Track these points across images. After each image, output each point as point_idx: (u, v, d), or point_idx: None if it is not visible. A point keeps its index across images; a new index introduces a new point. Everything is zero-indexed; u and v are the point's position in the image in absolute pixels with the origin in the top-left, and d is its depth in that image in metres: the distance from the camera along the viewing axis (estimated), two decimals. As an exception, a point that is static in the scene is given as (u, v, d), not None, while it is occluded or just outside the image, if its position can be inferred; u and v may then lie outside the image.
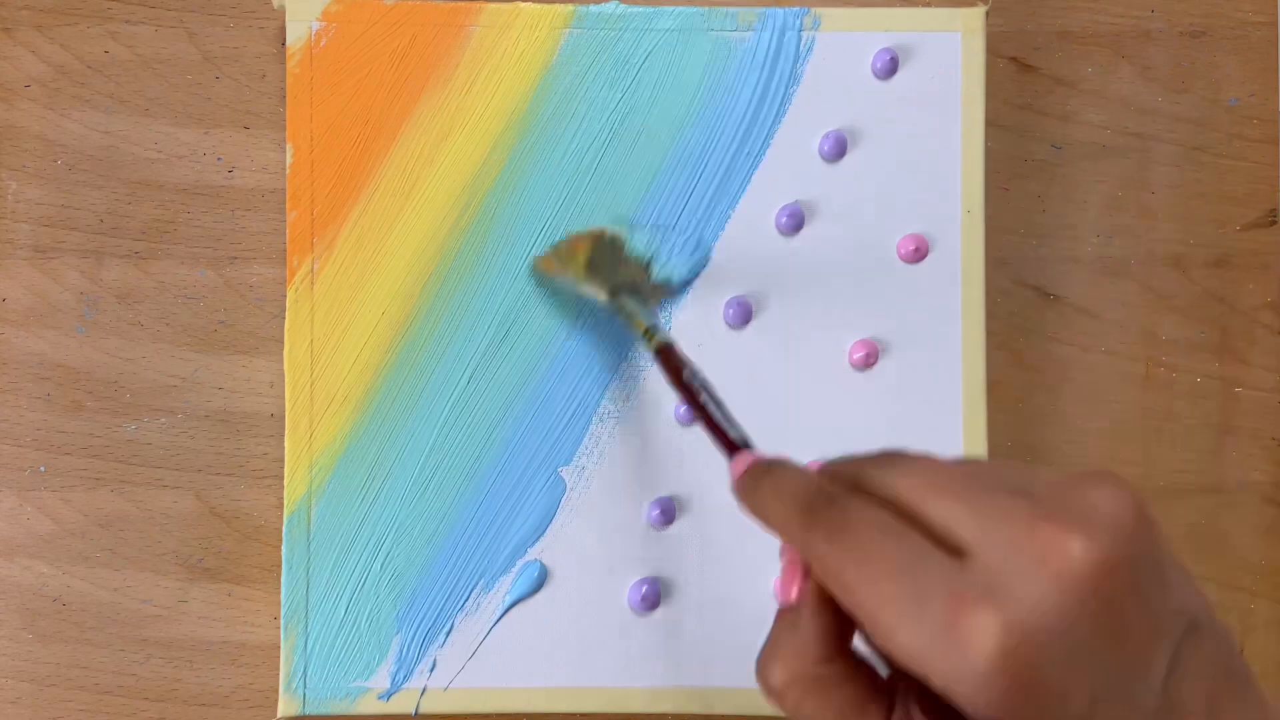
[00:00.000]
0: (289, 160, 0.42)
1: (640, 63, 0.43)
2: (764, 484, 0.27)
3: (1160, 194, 0.46)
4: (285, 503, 0.42)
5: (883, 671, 0.26)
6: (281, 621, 0.41)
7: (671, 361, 0.34)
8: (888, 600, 0.22)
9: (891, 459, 0.25)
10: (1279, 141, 0.46)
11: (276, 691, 0.42)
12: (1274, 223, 0.46)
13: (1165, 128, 0.46)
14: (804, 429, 0.42)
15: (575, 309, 0.42)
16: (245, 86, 0.44)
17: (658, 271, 0.41)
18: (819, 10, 0.43)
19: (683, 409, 0.42)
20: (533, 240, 0.42)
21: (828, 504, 0.25)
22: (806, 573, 0.26)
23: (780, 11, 0.43)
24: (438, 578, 0.42)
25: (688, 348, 0.42)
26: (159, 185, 0.44)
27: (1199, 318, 0.46)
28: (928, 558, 0.22)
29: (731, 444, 0.31)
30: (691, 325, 0.43)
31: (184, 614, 0.43)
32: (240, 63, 0.44)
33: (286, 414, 0.42)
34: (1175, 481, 0.45)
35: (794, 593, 0.26)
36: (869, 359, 0.42)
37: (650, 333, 0.36)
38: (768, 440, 0.42)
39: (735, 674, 0.42)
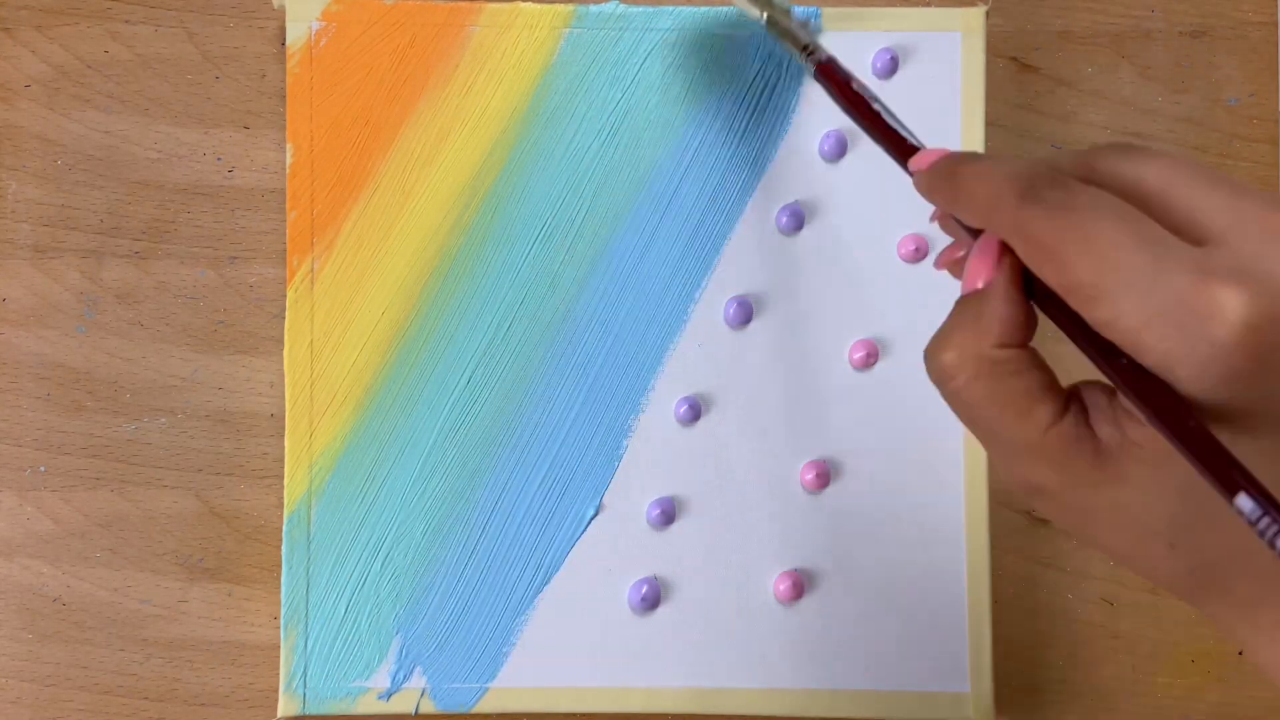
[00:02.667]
0: (289, 160, 0.42)
1: (640, 63, 0.43)
2: (968, 167, 0.26)
3: (1160, 194, 0.46)
4: (285, 503, 0.42)
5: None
6: (281, 621, 0.41)
7: (837, 76, 0.33)
8: (1116, 270, 0.21)
9: (1128, 149, 0.24)
10: (1279, 141, 0.46)
11: (276, 691, 0.42)
12: (1274, 223, 0.46)
13: (1165, 128, 0.46)
14: (804, 429, 0.42)
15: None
16: (245, 86, 0.44)
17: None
18: (819, 10, 0.43)
19: (684, 408, 0.42)
20: (533, 240, 0.42)
21: (1052, 184, 0.23)
22: (999, 259, 0.25)
23: (780, 11, 0.43)
24: (438, 578, 0.42)
25: (688, 348, 0.42)
26: (159, 185, 0.44)
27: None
28: (1167, 239, 0.22)
29: (908, 146, 0.30)
30: (692, 325, 0.43)
31: (184, 614, 0.43)
32: (240, 63, 0.44)
33: (286, 414, 0.42)
34: (1175, 481, 0.45)
35: (983, 278, 0.25)
36: (869, 359, 0.42)
37: (811, 49, 0.35)
38: (768, 440, 0.42)
39: (735, 674, 0.42)
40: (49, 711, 0.43)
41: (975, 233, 0.26)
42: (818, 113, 0.43)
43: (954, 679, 0.42)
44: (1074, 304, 0.23)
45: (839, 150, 0.43)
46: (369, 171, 0.42)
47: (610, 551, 0.42)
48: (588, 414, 0.42)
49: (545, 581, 0.42)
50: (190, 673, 0.43)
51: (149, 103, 0.44)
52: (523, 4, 0.43)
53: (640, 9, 0.43)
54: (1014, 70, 0.46)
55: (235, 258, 0.44)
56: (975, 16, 0.43)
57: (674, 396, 0.42)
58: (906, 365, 0.42)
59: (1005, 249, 0.25)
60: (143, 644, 0.43)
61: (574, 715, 0.42)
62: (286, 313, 0.42)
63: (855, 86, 0.33)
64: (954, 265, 0.29)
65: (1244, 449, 0.21)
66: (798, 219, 0.42)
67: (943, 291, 0.42)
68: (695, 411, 0.42)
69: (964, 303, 0.26)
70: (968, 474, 0.42)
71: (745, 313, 0.42)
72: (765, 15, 0.38)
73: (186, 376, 0.44)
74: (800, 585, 0.42)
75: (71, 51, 0.44)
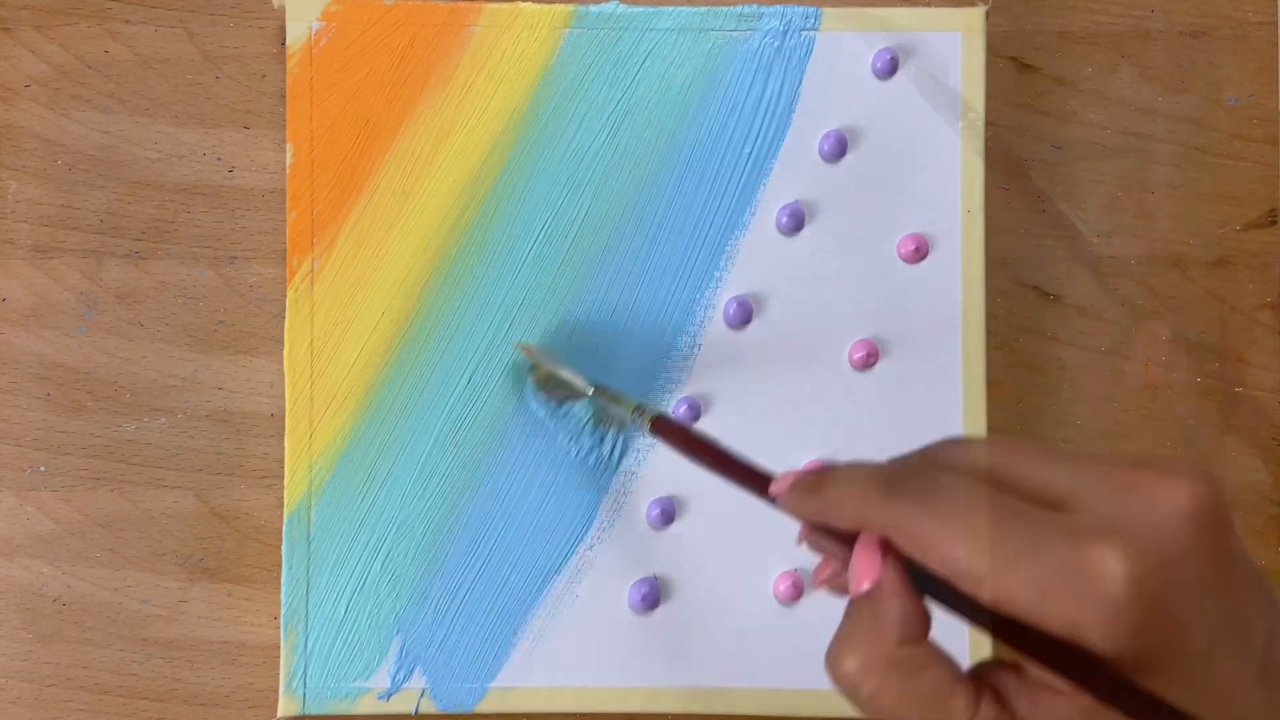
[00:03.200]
0: (289, 160, 0.42)
1: (640, 63, 0.43)
2: (828, 480, 0.27)
3: (1160, 194, 0.46)
4: (285, 503, 0.42)
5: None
6: (281, 621, 0.41)
7: (671, 426, 0.35)
8: (998, 548, 0.22)
9: (960, 440, 0.26)
10: (1279, 141, 0.46)
11: (276, 691, 0.42)
12: (1274, 223, 0.46)
13: (1165, 128, 0.46)
14: (804, 429, 0.42)
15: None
16: (245, 86, 0.44)
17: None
18: (819, 10, 0.43)
19: (684, 408, 0.42)
20: (533, 240, 0.42)
21: (911, 476, 0.25)
22: (883, 557, 0.25)
23: (780, 11, 0.43)
24: (438, 578, 0.42)
25: (688, 349, 0.42)
26: (159, 185, 0.44)
27: (1199, 318, 0.46)
28: (1030, 510, 0.23)
29: (762, 475, 0.31)
30: (692, 326, 0.43)
31: (184, 614, 0.43)
32: (240, 63, 0.44)
33: (286, 414, 0.42)
34: (1175, 481, 0.45)
35: (870, 578, 0.26)
36: (869, 359, 0.42)
37: (640, 409, 0.36)
38: (768, 440, 0.42)
39: (735, 674, 0.42)
40: (49, 711, 0.43)
41: (849, 543, 0.26)
42: (818, 112, 0.43)
43: (954, 679, 0.42)
44: (966, 588, 0.23)
45: (839, 150, 0.43)
46: (369, 171, 0.42)
47: (611, 551, 0.42)
48: (587, 414, 0.42)
49: (546, 581, 0.42)
50: (190, 673, 0.43)
51: (149, 103, 0.44)
52: (523, 4, 0.43)
53: (640, 9, 0.43)
54: (1014, 70, 0.46)
55: (235, 258, 0.44)
56: (975, 16, 0.43)
57: (674, 396, 0.42)
58: (906, 365, 0.42)
59: (886, 546, 0.25)
60: (143, 644, 0.43)
61: (574, 715, 0.42)
62: (286, 313, 0.42)
63: (694, 433, 0.33)
64: (831, 581, 0.29)
65: (1168, 690, 0.22)
66: (798, 219, 0.42)
67: (943, 291, 0.43)
68: (695, 411, 0.42)
69: (856, 607, 0.26)
70: (968, 474, 0.42)
71: (745, 313, 0.42)
72: (592, 388, 0.39)
73: (186, 376, 0.44)
74: (800, 585, 0.42)
75: (71, 51, 0.44)
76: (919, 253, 0.42)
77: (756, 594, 0.42)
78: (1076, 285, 0.45)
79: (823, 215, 0.43)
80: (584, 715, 0.42)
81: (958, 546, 0.23)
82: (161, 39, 0.44)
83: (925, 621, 0.25)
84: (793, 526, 0.42)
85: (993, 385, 0.44)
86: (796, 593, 0.42)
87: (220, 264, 0.44)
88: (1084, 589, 0.21)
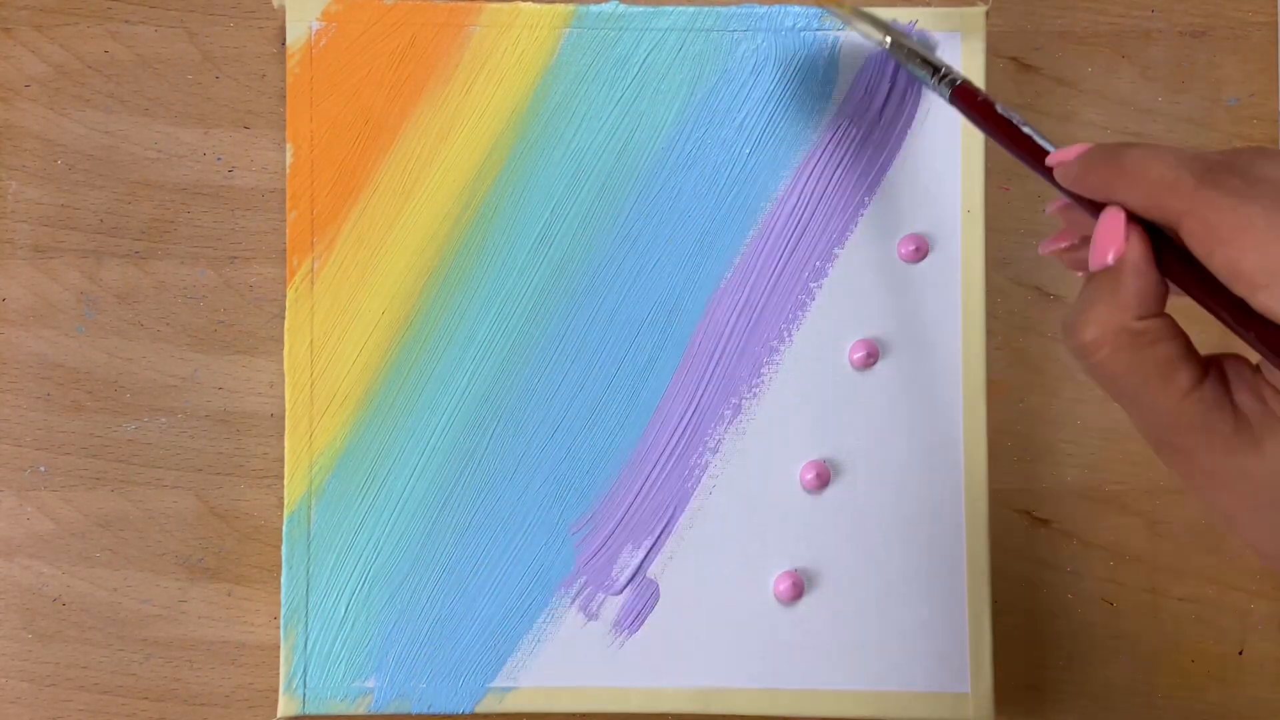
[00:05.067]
0: (289, 160, 0.42)
1: (640, 63, 0.43)
2: (1136, 150, 0.26)
3: (1160, 194, 0.46)
4: (285, 503, 0.42)
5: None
6: (281, 621, 0.41)
7: (976, 98, 0.33)
8: None
9: (1266, 151, 0.25)
10: (1279, 141, 0.46)
11: (276, 691, 0.42)
12: (1274, 223, 0.46)
13: (1165, 128, 0.46)
14: (804, 429, 0.42)
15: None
16: (245, 86, 0.44)
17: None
18: (820, 10, 0.43)
19: (684, 408, 0.42)
20: (533, 240, 0.42)
21: (1230, 171, 0.24)
22: (1127, 234, 0.26)
23: (780, 11, 0.43)
24: (438, 577, 0.42)
25: (689, 349, 0.42)
26: (159, 185, 0.44)
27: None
28: None
29: (1041, 149, 0.30)
30: (693, 326, 0.43)
31: (184, 614, 0.43)
32: (240, 63, 0.44)
33: (286, 414, 0.42)
34: (1175, 481, 0.45)
35: (1113, 254, 0.26)
36: (869, 359, 0.42)
37: (946, 71, 0.35)
38: (769, 440, 0.42)
39: (735, 674, 0.42)
40: (49, 711, 0.43)
41: (1095, 215, 0.27)
42: (819, 112, 0.43)
43: (954, 679, 0.42)
44: (1237, 288, 0.24)
45: (839, 150, 0.43)
46: (369, 171, 0.42)
47: (609, 552, 0.42)
48: (587, 414, 0.42)
49: (546, 581, 0.42)
50: (190, 673, 0.43)
51: (149, 103, 0.44)
52: (523, 4, 0.43)
53: (640, 9, 0.43)
54: (1014, 70, 0.46)
55: (235, 258, 0.44)
56: (975, 16, 0.43)
57: (674, 395, 0.42)
58: (906, 365, 0.42)
59: (1133, 223, 0.26)
60: (143, 644, 0.43)
61: (574, 715, 0.42)
62: (286, 313, 0.42)
63: (1000, 109, 0.33)
64: (1068, 253, 0.30)
65: None
66: (798, 218, 0.42)
67: (943, 291, 0.43)
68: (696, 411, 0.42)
69: (1097, 280, 0.27)
70: (968, 474, 0.42)
71: (746, 314, 0.42)
72: (889, 39, 0.38)
73: (186, 376, 0.44)
74: (800, 585, 0.42)
75: (71, 51, 0.44)
76: (919, 253, 0.42)
77: (756, 594, 0.42)
78: (1076, 285, 0.45)
79: (823, 215, 0.43)
80: (584, 715, 0.42)
81: (1251, 251, 0.23)
82: (161, 39, 0.44)
83: (1163, 296, 0.26)
84: (792, 526, 0.42)
85: (993, 385, 0.44)
86: (796, 593, 0.42)
87: (220, 264, 0.44)
88: None
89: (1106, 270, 0.26)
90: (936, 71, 0.36)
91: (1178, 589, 0.45)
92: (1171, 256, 0.26)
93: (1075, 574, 0.45)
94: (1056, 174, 0.29)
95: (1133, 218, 0.26)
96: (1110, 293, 0.26)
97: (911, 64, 0.37)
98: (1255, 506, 0.25)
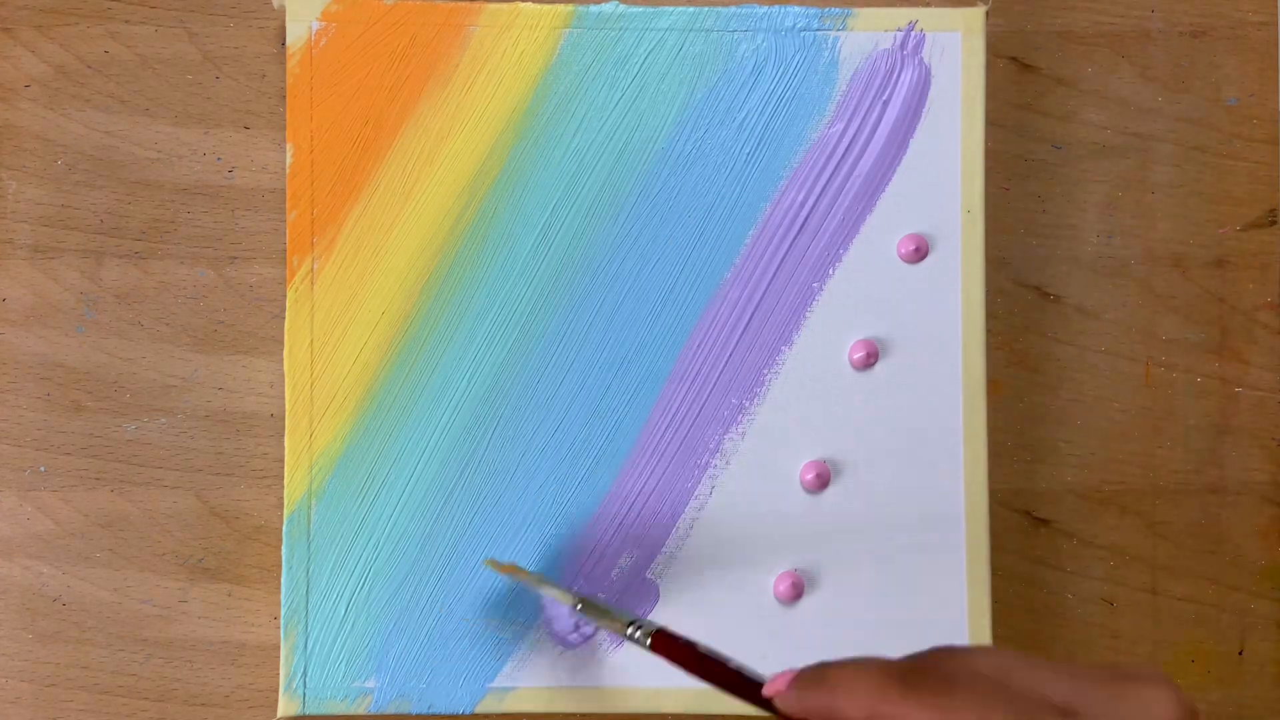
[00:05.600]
0: (289, 160, 0.42)
1: (640, 63, 0.43)
2: (831, 675, 0.28)
3: (1160, 194, 0.46)
4: (285, 503, 0.42)
5: None
6: (281, 621, 0.41)
7: (675, 643, 0.34)
8: None
9: (956, 649, 0.27)
10: (1279, 141, 0.46)
11: (276, 691, 0.42)
12: (1274, 223, 0.46)
13: (1165, 128, 0.46)
14: (804, 429, 0.42)
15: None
16: (245, 86, 0.44)
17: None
18: (820, 10, 0.43)
19: (684, 409, 0.42)
20: (533, 240, 0.42)
21: (926, 674, 0.26)
22: None
23: (780, 11, 0.43)
24: (438, 577, 0.42)
25: (690, 348, 0.42)
26: (159, 185, 0.44)
27: (1199, 318, 0.46)
28: (1040, 713, 0.25)
29: (757, 683, 0.31)
30: (693, 326, 0.43)
31: (184, 614, 0.43)
32: (240, 63, 0.44)
33: (286, 414, 0.42)
34: (1175, 481, 0.45)
35: None
36: (869, 359, 0.42)
37: (636, 625, 0.35)
38: (769, 440, 0.42)
39: (735, 674, 0.42)
40: (49, 711, 0.43)
41: None
42: (819, 113, 0.43)
43: (954, 679, 0.42)
44: None
45: (840, 149, 0.43)
46: (369, 171, 0.42)
47: (609, 552, 0.42)
48: (588, 414, 0.42)
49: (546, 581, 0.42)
50: (190, 673, 0.43)
51: (149, 103, 0.44)
52: (523, 4, 0.43)
53: (640, 9, 0.43)
54: (1014, 70, 0.46)
55: (235, 258, 0.44)
56: (975, 16, 0.43)
57: (675, 395, 0.42)
58: (906, 365, 0.42)
59: None
60: (143, 644, 0.43)
61: (574, 715, 0.42)
62: (286, 313, 0.42)
63: (701, 649, 0.33)
64: None
65: None
66: (799, 218, 0.42)
67: (943, 292, 0.43)
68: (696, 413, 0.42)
69: None
70: (968, 474, 0.42)
71: (746, 314, 0.42)
72: (578, 603, 0.38)
73: (186, 376, 0.44)
74: (800, 585, 0.42)
75: (71, 51, 0.44)
76: (919, 253, 0.42)
77: (756, 594, 0.42)
78: (1076, 285, 0.45)
79: (823, 215, 0.43)
80: (584, 715, 0.42)
81: None
82: (161, 39, 0.44)
83: None
84: (792, 526, 0.42)
85: (993, 385, 0.44)
86: (796, 593, 0.42)
87: (220, 264, 0.44)
88: None
89: None
90: (631, 624, 0.35)
91: (1178, 589, 0.45)
92: None
93: (1075, 574, 0.45)
94: (777, 703, 0.29)
95: None
96: None
97: (604, 621, 0.37)
98: None
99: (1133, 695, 0.25)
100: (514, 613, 0.41)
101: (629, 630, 0.35)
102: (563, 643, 0.41)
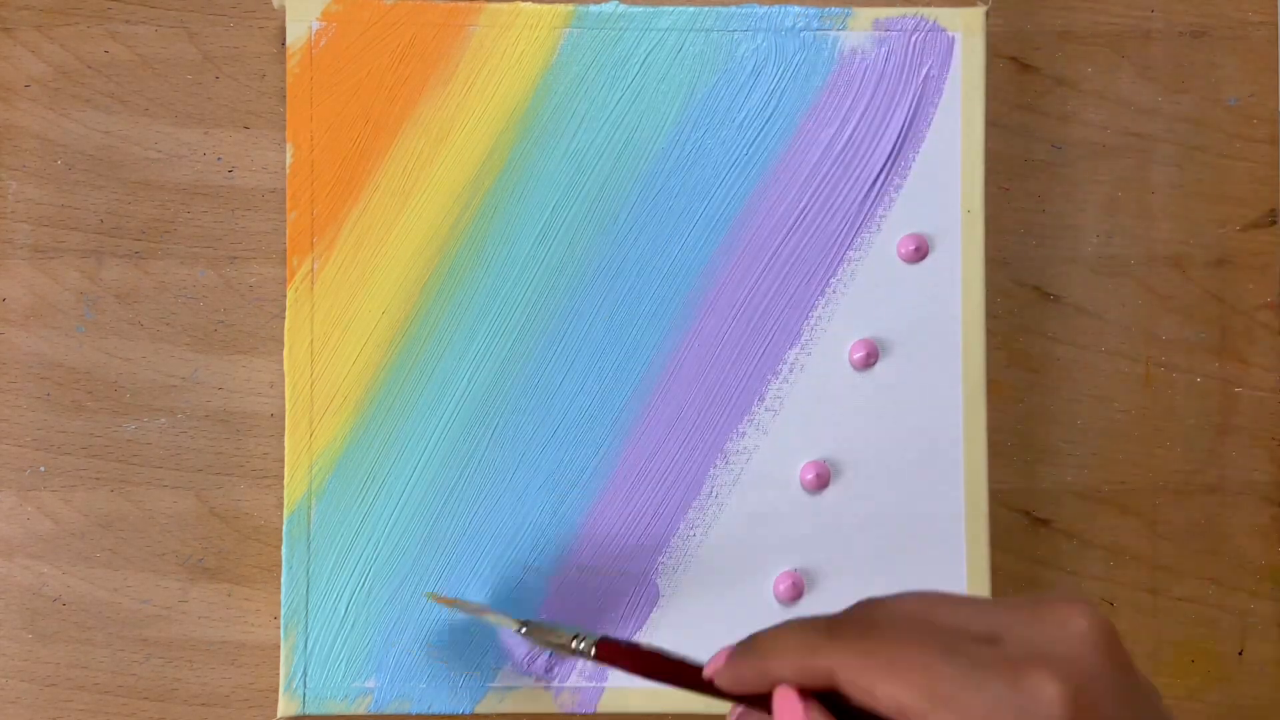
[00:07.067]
0: (289, 160, 0.42)
1: (640, 63, 0.43)
2: (761, 641, 0.28)
3: (1160, 194, 0.46)
4: (285, 503, 0.42)
5: None
6: (281, 621, 0.41)
7: (618, 647, 0.34)
8: (941, 681, 0.24)
9: (879, 599, 0.27)
10: (1279, 141, 0.46)
11: (276, 691, 0.42)
12: (1274, 223, 0.46)
13: (1165, 128, 0.46)
14: (804, 429, 0.42)
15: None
16: (245, 86, 0.44)
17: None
18: (820, 10, 0.43)
19: (684, 409, 0.42)
20: (533, 240, 0.42)
21: (850, 621, 0.27)
22: (806, 705, 0.27)
23: (780, 11, 0.43)
24: (438, 578, 0.42)
25: (690, 348, 0.42)
26: (159, 185, 0.44)
27: (1199, 318, 0.46)
28: (965, 643, 0.25)
29: (700, 669, 0.31)
30: (693, 325, 0.43)
31: (184, 614, 0.43)
32: (240, 63, 0.44)
33: (286, 414, 0.42)
34: (1175, 481, 0.45)
35: None
36: (869, 359, 0.42)
37: (579, 637, 0.35)
38: (769, 440, 0.42)
39: (735, 674, 0.42)
40: (49, 711, 0.43)
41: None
42: (819, 113, 0.43)
43: (954, 679, 0.42)
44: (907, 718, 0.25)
45: (840, 149, 0.43)
46: (369, 171, 0.42)
47: (610, 553, 0.42)
48: (588, 414, 0.42)
49: (546, 582, 0.42)
50: (190, 673, 0.43)
51: (149, 103, 0.44)
52: (523, 4, 0.43)
53: (640, 9, 0.43)
54: (1014, 70, 0.46)
55: (235, 258, 0.44)
56: (975, 16, 0.43)
57: (675, 396, 0.42)
58: (906, 365, 0.42)
59: (808, 698, 0.27)
60: (143, 644, 0.43)
61: (574, 715, 0.42)
62: (286, 313, 0.42)
63: (645, 648, 0.33)
64: None
65: None
66: (799, 217, 0.42)
67: (943, 291, 0.43)
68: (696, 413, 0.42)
69: None
70: (968, 474, 0.42)
71: (745, 314, 0.42)
72: (521, 627, 0.38)
73: (186, 376, 0.44)
74: (800, 585, 0.42)
75: (71, 51, 0.44)
76: (919, 253, 0.42)
77: (756, 594, 0.42)
78: (1076, 285, 0.45)
79: (823, 214, 0.43)
80: (583, 715, 0.42)
81: (900, 682, 0.25)
82: (161, 39, 0.44)
83: None
84: (792, 526, 0.42)
85: (993, 385, 0.44)
86: (796, 593, 0.42)
87: (220, 264, 0.44)
88: (1028, 712, 0.23)
89: None
90: (574, 638, 0.35)
91: (1178, 589, 0.45)
92: (853, 715, 0.26)
93: (1075, 574, 0.45)
94: (718, 682, 0.29)
95: (806, 693, 0.27)
96: None
97: (549, 641, 0.37)
98: None
99: (1049, 617, 0.25)
100: (476, 652, 0.41)
101: (573, 644, 0.35)
102: (527, 674, 0.41)
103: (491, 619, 0.40)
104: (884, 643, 0.25)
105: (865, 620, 0.27)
